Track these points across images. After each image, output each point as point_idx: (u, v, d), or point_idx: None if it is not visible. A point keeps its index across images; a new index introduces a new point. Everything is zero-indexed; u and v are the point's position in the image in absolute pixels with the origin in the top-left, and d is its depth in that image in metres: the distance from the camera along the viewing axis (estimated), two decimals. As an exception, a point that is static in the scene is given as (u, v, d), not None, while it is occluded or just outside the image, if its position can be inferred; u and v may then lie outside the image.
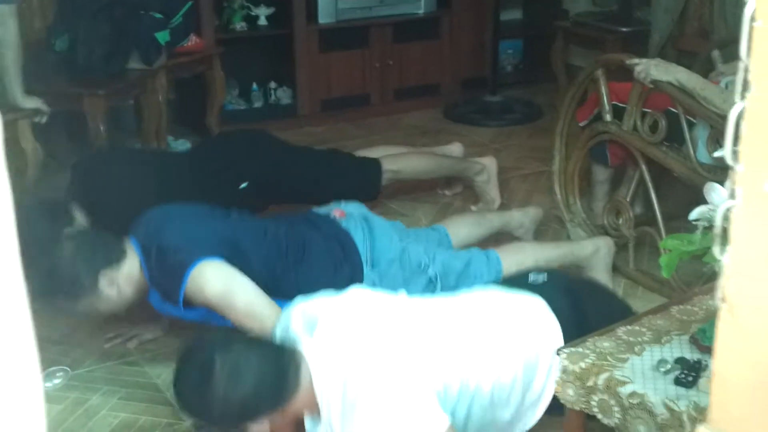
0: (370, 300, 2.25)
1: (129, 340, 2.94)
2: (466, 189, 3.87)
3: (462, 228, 3.23)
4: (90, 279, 2.54)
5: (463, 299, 2.34)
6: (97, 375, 2.78)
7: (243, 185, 3.39)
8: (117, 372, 2.79)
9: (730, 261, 0.51)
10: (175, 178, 3.34)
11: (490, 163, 3.80)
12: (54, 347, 2.89)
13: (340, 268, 2.80)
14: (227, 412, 1.95)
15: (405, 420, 1.90)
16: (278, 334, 2.23)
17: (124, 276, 2.61)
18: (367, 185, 3.57)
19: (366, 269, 2.82)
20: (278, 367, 1.97)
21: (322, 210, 3.04)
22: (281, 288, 2.69)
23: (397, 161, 3.65)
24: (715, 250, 0.54)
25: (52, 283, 2.52)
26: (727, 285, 0.51)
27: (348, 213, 2.98)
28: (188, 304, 2.61)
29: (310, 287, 2.72)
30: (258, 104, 4.80)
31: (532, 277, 2.42)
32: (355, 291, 2.31)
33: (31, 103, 3.36)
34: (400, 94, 4.95)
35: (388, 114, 4.77)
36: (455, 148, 3.93)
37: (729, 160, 0.51)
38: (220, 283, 2.54)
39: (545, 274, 2.44)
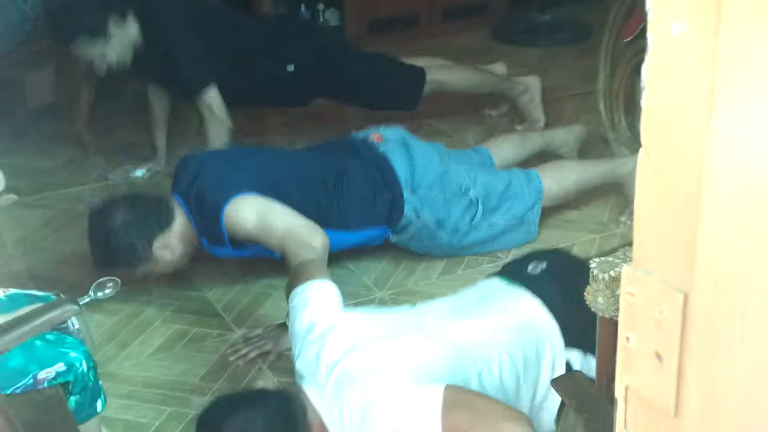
0: (366, 323, 2.19)
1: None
2: (511, 109, 3.86)
3: (505, 148, 3.24)
4: (144, 248, 2.66)
5: (463, 300, 2.29)
6: (151, 290, 2.88)
7: (290, 67, 3.45)
8: (169, 287, 2.90)
9: (644, 105, 0.53)
10: (231, 35, 3.47)
11: (534, 82, 3.77)
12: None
13: (380, 193, 2.84)
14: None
15: (406, 404, 1.89)
16: (294, 338, 2.20)
17: (176, 236, 2.71)
18: (410, 91, 3.60)
19: (406, 194, 2.85)
20: (285, 419, 1.94)
21: (359, 134, 3.06)
22: (324, 216, 2.75)
23: (442, 72, 3.66)
24: (640, 99, 0.57)
25: (109, 256, 2.66)
26: (643, 130, 0.54)
27: (386, 137, 3.00)
28: (236, 243, 2.69)
29: (352, 213, 2.78)
30: (306, 26, 4.80)
31: (531, 267, 2.36)
32: (352, 316, 2.23)
33: None
34: (448, 14, 4.90)
35: (435, 35, 4.73)
36: (498, 68, 3.91)
37: (647, 10, 0.54)
38: (254, 212, 2.63)
39: (545, 263, 2.37)
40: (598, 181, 3.05)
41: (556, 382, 1.71)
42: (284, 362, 2.50)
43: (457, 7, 4.90)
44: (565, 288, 2.20)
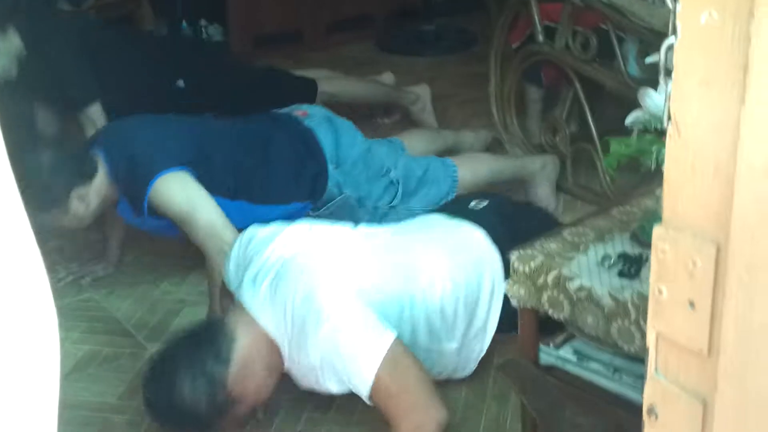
0: (312, 231, 2.27)
1: (82, 278, 2.97)
2: (403, 117, 3.95)
3: (418, 142, 3.32)
4: (61, 194, 2.58)
5: (406, 226, 2.41)
6: (57, 311, 2.80)
7: (179, 83, 3.44)
8: (75, 308, 2.84)
9: (674, 86, 0.60)
10: (117, 54, 3.42)
11: (423, 91, 3.88)
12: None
13: (305, 166, 2.85)
14: (200, 417, 2.02)
15: (354, 340, 1.93)
16: (231, 270, 2.28)
17: (95, 191, 2.64)
18: (302, 103, 3.64)
19: (330, 168, 2.88)
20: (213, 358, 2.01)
21: (283, 110, 3.08)
22: (247, 187, 2.76)
23: (333, 83, 3.72)
24: (661, 79, 0.64)
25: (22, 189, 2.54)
26: (672, 106, 0.61)
27: (311, 113, 3.04)
28: (153, 213, 2.65)
29: (275, 186, 2.80)
30: (189, 42, 4.78)
31: (473, 203, 2.48)
32: (298, 225, 2.32)
33: None
34: (333, 27, 4.96)
35: (321, 48, 4.79)
36: (387, 78, 4.00)
37: (669, 3, 0.61)
38: (183, 199, 2.59)
39: (486, 201, 2.50)
40: (508, 175, 3.18)
41: (499, 367, 1.78)
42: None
43: (341, 19, 4.97)
44: (507, 222, 2.32)
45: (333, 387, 2.02)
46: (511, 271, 2.01)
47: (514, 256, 2.02)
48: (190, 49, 3.63)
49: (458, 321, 2.20)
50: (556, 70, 3.38)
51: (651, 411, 0.65)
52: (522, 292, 2.01)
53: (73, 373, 2.54)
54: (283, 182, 2.82)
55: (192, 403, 1.99)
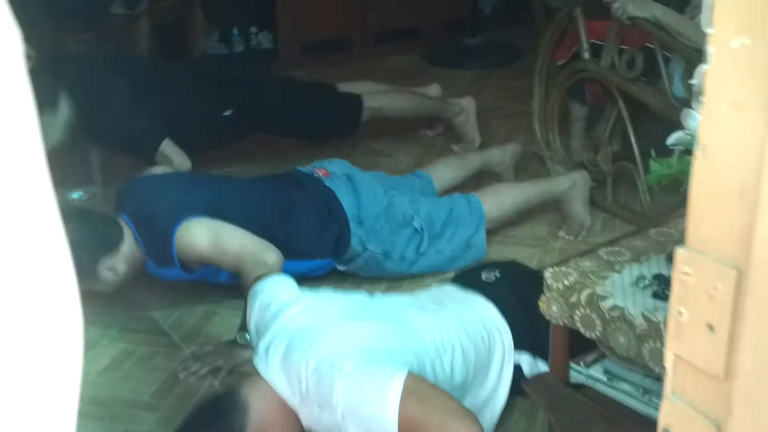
0: (327, 301, 2.28)
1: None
2: (447, 129, 3.96)
3: (445, 171, 3.32)
4: (89, 265, 2.61)
5: (419, 296, 2.41)
6: (95, 310, 2.84)
7: (227, 113, 3.47)
8: (114, 307, 2.87)
9: (704, 109, 0.61)
10: (163, 90, 3.44)
11: (468, 104, 3.88)
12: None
13: (327, 226, 2.87)
14: None
15: (370, 384, 1.92)
16: (252, 330, 2.29)
17: (123, 258, 2.69)
18: (348, 119, 3.67)
19: (352, 226, 2.89)
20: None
21: (305, 169, 3.10)
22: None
23: (379, 98, 3.73)
24: (693, 104, 0.65)
25: None
26: (701, 129, 0.61)
27: (332, 172, 3.04)
28: (185, 266, 2.70)
29: (298, 244, 2.82)
30: (239, 49, 4.83)
31: (484, 275, 2.48)
32: (315, 295, 2.32)
33: None
34: (381, 38, 4.99)
35: (368, 58, 4.82)
36: (433, 90, 4.01)
37: (705, 27, 0.61)
38: (207, 234, 2.64)
39: (497, 271, 2.47)
40: (536, 201, 3.17)
41: (528, 384, 1.78)
42: (235, 378, 2.51)
43: (389, 30, 5.00)
44: (518, 294, 2.32)
45: None
46: (544, 287, 2.02)
47: (548, 273, 2.02)
48: (235, 75, 3.63)
49: (467, 393, 2.18)
50: (601, 88, 3.37)
51: None
52: (555, 308, 2.00)
53: (107, 370, 2.58)
54: (306, 241, 2.85)
55: None
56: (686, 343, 0.63)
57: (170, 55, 4.54)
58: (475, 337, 2.21)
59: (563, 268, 2.04)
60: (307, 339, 2.04)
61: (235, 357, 2.57)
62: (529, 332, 2.22)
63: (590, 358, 2.03)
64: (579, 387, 1.98)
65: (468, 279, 2.46)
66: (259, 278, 2.44)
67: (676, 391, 0.64)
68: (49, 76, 3.13)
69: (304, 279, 2.89)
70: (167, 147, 3.31)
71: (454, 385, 2.14)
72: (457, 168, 3.37)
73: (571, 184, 3.17)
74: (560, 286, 1.99)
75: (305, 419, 2.03)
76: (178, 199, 2.75)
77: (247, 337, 2.54)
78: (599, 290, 1.96)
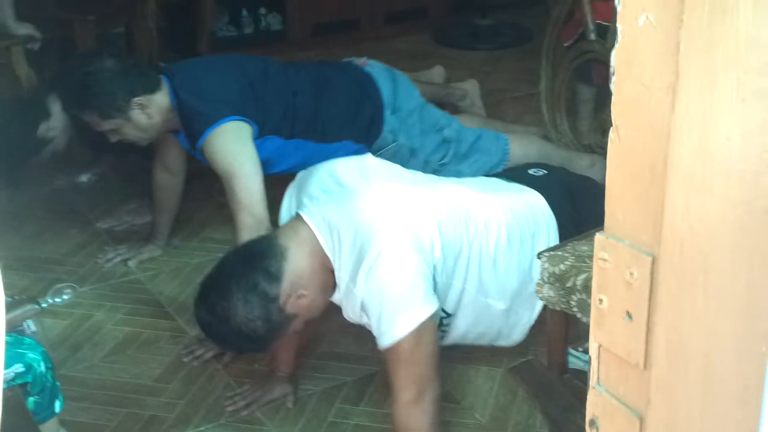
0: (377, 166, 2.32)
1: (129, 260, 3.03)
2: (453, 114, 3.92)
3: (470, 123, 3.32)
4: (124, 99, 2.66)
5: (469, 180, 2.47)
6: (101, 293, 2.88)
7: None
8: (120, 290, 2.90)
9: (614, 89, 0.60)
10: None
11: (471, 87, 3.85)
12: (58, 267, 3.00)
13: (362, 106, 2.89)
14: (256, 335, 2.02)
15: (399, 296, 1.96)
16: (285, 200, 2.31)
17: (157, 105, 2.71)
18: None
19: (386, 113, 2.91)
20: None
21: (344, 60, 3.14)
22: (303, 124, 2.80)
23: None
24: (611, 85, 0.63)
25: (86, 94, 2.64)
26: (614, 110, 0.60)
27: (370, 63, 3.09)
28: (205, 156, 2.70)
29: (331, 123, 2.84)
30: (248, 30, 4.82)
31: (533, 170, 2.50)
32: (365, 158, 2.38)
33: (24, 29, 3.40)
34: (390, 18, 4.97)
35: (378, 38, 4.80)
36: (437, 72, 3.98)
37: (616, 4, 0.60)
38: (228, 161, 2.62)
39: (545, 170, 2.52)
40: (556, 163, 3.15)
41: (513, 370, 1.77)
42: (240, 363, 2.52)
43: (398, 11, 4.97)
44: (565, 191, 2.33)
45: (365, 319, 2.05)
46: (540, 272, 2.00)
47: (543, 258, 2.00)
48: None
49: (510, 279, 2.21)
50: (608, 70, 3.32)
51: (592, 423, 0.64)
52: (551, 294, 1.98)
53: (112, 354, 2.60)
54: (340, 120, 2.86)
55: (246, 321, 1.98)
56: (608, 332, 0.62)
57: (180, 36, 4.56)
58: (522, 223, 2.23)
59: (559, 252, 2.02)
60: (363, 197, 2.05)
61: None
62: (575, 229, 2.20)
63: (588, 344, 2.01)
64: (578, 373, 1.97)
65: (515, 174, 2.50)
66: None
67: (601, 382, 0.63)
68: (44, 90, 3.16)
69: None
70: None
71: (497, 269, 2.18)
72: (482, 124, 3.37)
73: (590, 164, 3.15)
74: (556, 270, 1.97)
75: (336, 276, 2.05)
76: (222, 92, 2.72)
77: None
78: (596, 274, 1.94)
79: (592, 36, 3.25)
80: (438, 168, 2.96)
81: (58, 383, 1.99)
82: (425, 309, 1.97)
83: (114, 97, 2.65)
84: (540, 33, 3.71)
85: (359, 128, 2.89)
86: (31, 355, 1.87)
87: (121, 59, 2.73)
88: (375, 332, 2.00)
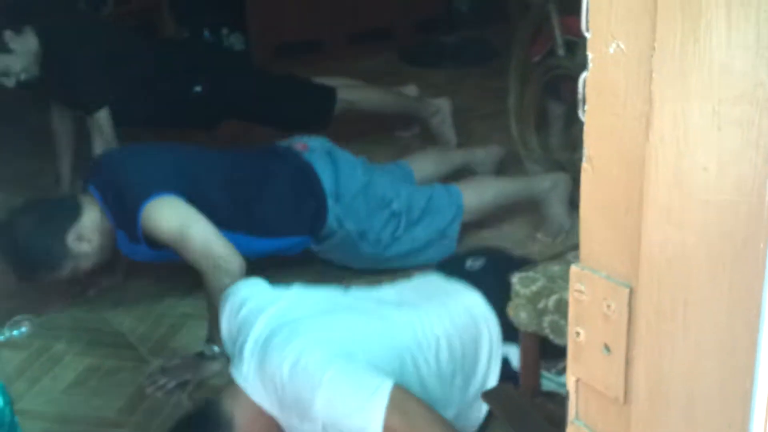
0: (301, 300, 2.18)
1: (87, 290, 2.96)
2: (423, 131, 3.91)
3: (425, 165, 3.28)
4: (59, 246, 2.59)
5: (401, 287, 2.32)
6: (60, 323, 2.81)
7: (197, 88, 3.43)
8: (80, 319, 2.83)
9: (586, 118, 0.56)
10: (136, 57, 3.43)
11: (444, 104, 3.83)
12: (14, 298, 2.91)
13: (304, 200, 2.82)
14: None
15: (352, 397, 1.86)
16: (224, 331, 2.18)
17: (89, 228, 2.64)
18: (321, 110, 3.62)
19: (330, 202, 2.84)
20: None
21: (284, 143, 3.06)
22: (245, 219, 2.72)
23: (353, 92, 3.70)
24: (580, 113, 0.60)
25: (27, 266, 2.60)
26: (586, 141, 0.57)
27: (311, 146, 3.00)
28: (152, 243, 2.63)
29: (273, 219, 2.76)
30: (211, 51, 4.77)
31: (469, 263, 2.41)
32: (289, 294, 2.21)
33: None
34: (354, 38, 4.94)
35: (342, 58, 4.76)
36: (410, 90, 3.97)
37: (585, 32, 0.57)
38: (174, 221, 2.55)
39: (483, 259, 2.43)
40: (515, 198, 3.12)
41: (485, 395, 1.72)
42: (204, 391, 2.46)
43: (362, 30, 4.94)
44: (504, 283, 2.24)
45: None
46: (512, 294, 1.96)
47: (515, 279, 1.96)
48: (209, 54, 3.63)
49: (455, 386, 2.11)
50: (577, 85, 3.31)
51: None
52: (523, 315, 1.95)
53: (73, 386, 2.53)
54: (282, 216, 2.79)
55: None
56: (585, 366, 0.59)
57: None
58: (462, 329, 2.13)
59: (531, 273, 1.98)
60: (282, 341, 1.96)
61: (203, 370, 2.51)
62: None
63: (562, 365, 1.97)
64: (551, 395, 1.93)
65: (452, 268, 2.38)
66: (225, 285, 2.36)
67: (579, 416, 0.60)
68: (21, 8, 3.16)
69: (277, 272, 2.75)
70: (103, 117, 3.28)
71: (443, 380, 2.07)
72: (438, 162, 3.34)
73: (552, 185, 3.12)
74: (528, 292, 1.94)
75: (287, 429, 1.97)
76: (148, 170, 2.68)
77: (215, 348, 2.48)
78: (567, 295, 1.90)
79: (561, 51, 3.23)
80: (391, 242, 2.91)
81: (16, 418, 1.92)
82: (383, 385, 1.84)
83: (49, 255, 2.60)
84: (506, 49, 3.70)
85: (302, 222, 2.83)
86: (-14, 390, 1.80)
87: (33, 208, 2.68)
88: None
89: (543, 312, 1.92)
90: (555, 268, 2.03)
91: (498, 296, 2.16)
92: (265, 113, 3.58)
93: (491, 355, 2.15)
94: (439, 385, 2.06)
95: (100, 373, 2.58)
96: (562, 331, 1.89)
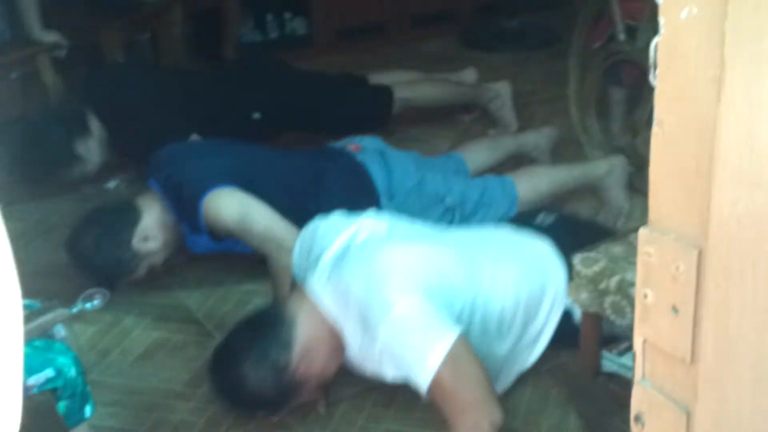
0: (382, 223, 2.30)
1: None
2: (483, 113, 3.91)
3: (478, 154, 3.28)
4: (127, 251, 2.70)
5: (475, 230, 2.43)
6: (130, 298, 2.88)
7: (256, 116, 3.47)
8: (148, 295, 2.89)
9: (657, 83, 0.58)
10: (192, 99, 3.43)
11: (503, 88, 3.83)
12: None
13: (358, 200, 2.83)
14: (268, 400, 2.08)
15: (419, 333, 1.94)
16: (296, 257, 2.31)
17: (152, 225, 2.74)
18: (379, 113, 3.64)
19: (383, 201, 2.87)
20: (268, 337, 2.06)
21: (337, 144, 3.09)
22: (299, 218, 2.75)
23: (410, 89, 3.70)
24: (651, 77, 0.62)
25: (103, 279, 2.73)
26: (657, 105, 0.58)
27: (363, 147, 3.04)
28: (214, 234, 2.71)
29: None
30: (273, 35, 4.81)
31: (540, 218, 2.45)
32: (370, 217, 2.35)
33: (50, 37, 3.42)
34: (417, 21, 4.95)
35: (404, 42, 4.78)
36: (469, 74, 3.96)
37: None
38: (235, 209, 2.63)
39: (553, 215, 2.47)
40: (571, 185, 3.10)
41: (551, 372, 1.75)
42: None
43: (425, 14, 4.94)
44: (573, 239, 2.29)
45: (389, 373, 2.04)
46: (573, 274, 1.97)
47: (577, 259, 1.97)
48: (263, 77, 3.61)
49: (514, 328, 2.17)
50: (638, 70, 3.29)
51: (638, 419, 0.63)
52: (584, 296, 1.96)
53: (141, 359, 2.60)
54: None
55: (259, 389, 2.06)
56: (653, 327, 0.60)
57: (205, 42, 4.57)
58: (530, 277, 2.20)
59: (592, 254, 1.99)
60: (362, 257, 2.05)
61: None
62: None
63: (623, 345, 1.98)
64: (612, 376, 1.94)
65: (523, 221, 2.46)
66: (289, 265, 2.44)
67: (646, 376, 0.62)
68: (74, 100, 3.21)
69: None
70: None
71: (502, 320, 2.14)
72: (491, 150, 3.33)
73: (608, 169, 3.10)
74: (590, 272, 1.95)
75: (347, 340, 2.05)
76: (208, 165, 2.75)
77: None
78: (629, 276, 1.91)
79: (622, 36, 3.21)
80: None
81: (88, 388, 1.99)
82: (448, 335, 1.92)
83: (121, 260, 2.72)
84: (568, 34, 3.68)
85: None
86: (61, 359, 1.88)
87: (94, 221, 2.76)
88: (411, 381, 1.96)
89: (604, 292, 1.92)
90: (617, 248, 2.03)
91: (567, 250, 2.22)
92: (323, 123, 3.60)
93: (554, 303, 2.20)
94: (497, 323, 2.13)
95: (167, 347, 2.65)
96: (623, 312, 1.90)
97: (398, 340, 1.93)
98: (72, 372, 1.88)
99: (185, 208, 2.71)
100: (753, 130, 0.53)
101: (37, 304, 2.05)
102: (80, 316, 2.71)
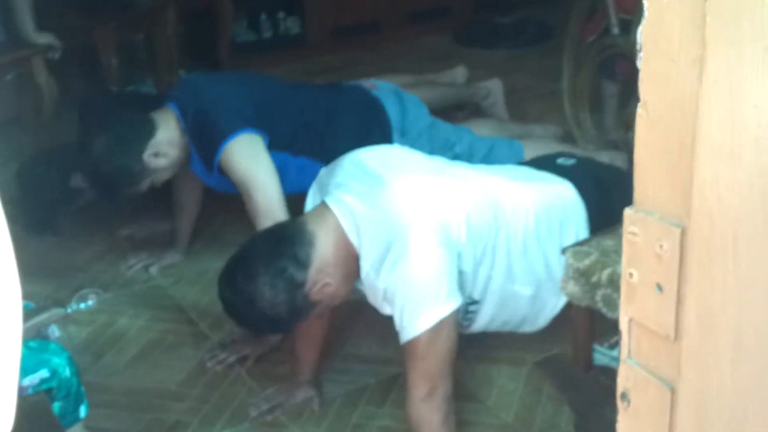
0: (408, 155, 2.31)
1: (150, 266, 3.03)
2: (475, 112, 3.90)
3: (483, 131, 3.29)
4: (137, 161, 2.68)
5: (497, 167, 2.46)
6: (124, 299, 2.88)
7: None
8: (142, 295, 2.90)
9: (642, 65, 0.59)
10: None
11: (494, 86, 3.82)
12: (81, 274, 3.00)
13: (370, 132, 2.87)
14: (278, 318, 2.02)
15: (424, 291, 1.95)
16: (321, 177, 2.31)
17: (166, 142, 2.73)
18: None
19: (395, 136, 2.90)
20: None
21: (351, 82, 3.13)
22: (311, 145, 2.79)
23: None
24: (638, 62, 0.62)
25: (107, 185, 2.72)
26: (641, 86, 0.59)
27: (379, 86, 3.08)
28: (222, 171, 2.71)
29: (339, 146, 2.79)
30: (267, 35, 4.80)
31: (561, 160, 2.47)
32: (397, 147, 2.41)
33: (44, 38, 3.42)
34: (411, 19, 4.94)
35: (399, 39, 4.77)
36: (459, 72, 3.96)
37: None
38: (248, 167, 2.63)
39: (574, 159, 2.49)
40: None
41: (539, 365, 1.75)
42: (262, 367, 2.51)
43: (419, 11, 4.94)
44: (594, 179, 2.32)
45: (387, 310, 2.04)
46: (565, 268, 1.97)
47: (567, 253, 1.97)
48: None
49: (537, 266, 2.19)
50: (632, 65, 3.28)
51: (624, 397, 0.64)
52: (576, 289, 1.95)
53: (136, 359, 2.60)
54: (348, 144, 2.82)
55: (270, 304, 1.98)
56: (638, 305, 0.61)
57: (200, 42, 4.56)
58: (551, 212, 2.21)
59: (584, 248, 1.99)
60: (392, 186, 2.04)
61: (262, 345, 2.56)
62: (604, 218, 2.15)
63: (614, 339, 1.98)
64: (604, 369, 1.94)
65: (544, 163, 2.46)
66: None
67: (632, 355, 0.63)
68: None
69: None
70: None
71: (527, 254, 2.16)
72: (496, 129, 3.35)
73: (609, 161, 3.11)
74: (581, 265, 1.94)
75: (361, 263, 2.03)
76: (233, 106, 2.73)
77: None
78: (621, 270, 1.90)
79: (615, 30, 3.21)
80: None
81: (83, 388, 1.99)
82: (447, 305, 1.96)
83: (128, 169, 2.69)
84: (562, 29, 3.68)
85: None
86: (56, 360, 1.88)
87: (108, 128, 2.74)
88: (397, 326, 1.99)
89: (596, 286, 1.92)
90: (608, 242, 2.03)
91: (587, 191, 2.26)
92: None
93: (576, 240, 2.19)
94: (521, 258, 2.16)
95: (162, 346, 2.65)
96: (615, 305, 1.89)
97: (403, 287, 1.95)
98: (67, 372, 1.88)
99: (204, 145, 2.71)
100: (734, 109, 0.54)
101: (31, 304, 2.05)
102: (75, 317, 2.70)
